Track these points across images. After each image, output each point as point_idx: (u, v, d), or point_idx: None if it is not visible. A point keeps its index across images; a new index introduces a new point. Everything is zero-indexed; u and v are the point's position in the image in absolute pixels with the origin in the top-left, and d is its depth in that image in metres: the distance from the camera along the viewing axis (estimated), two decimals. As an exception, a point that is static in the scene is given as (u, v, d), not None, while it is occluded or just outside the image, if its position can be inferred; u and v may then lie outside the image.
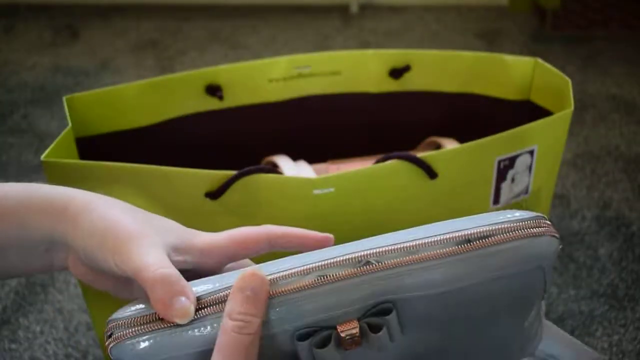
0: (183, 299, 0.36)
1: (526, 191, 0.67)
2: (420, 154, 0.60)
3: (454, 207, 0.64)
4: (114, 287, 0.42)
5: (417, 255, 0.36)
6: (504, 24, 1.72)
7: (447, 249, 0.36)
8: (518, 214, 0.38)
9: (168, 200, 0.59)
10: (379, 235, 0.38)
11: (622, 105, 1.37)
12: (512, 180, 0.65)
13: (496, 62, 0.74)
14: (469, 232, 0.36)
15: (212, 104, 0.74)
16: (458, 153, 0.61)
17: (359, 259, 0.35)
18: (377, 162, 0.60)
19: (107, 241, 0.39)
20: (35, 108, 1.39)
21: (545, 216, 0.39)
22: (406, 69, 0.76)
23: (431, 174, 0.61)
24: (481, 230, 0.37)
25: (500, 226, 0.37)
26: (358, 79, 0.76)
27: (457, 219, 0.39)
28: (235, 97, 0.74)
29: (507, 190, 0.65)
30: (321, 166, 0.77)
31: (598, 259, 0.99)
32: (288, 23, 1.74)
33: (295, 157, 0.72)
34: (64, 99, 0.67)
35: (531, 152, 0.64)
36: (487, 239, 0.36)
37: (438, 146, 0.74)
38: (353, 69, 0.75)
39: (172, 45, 1.64)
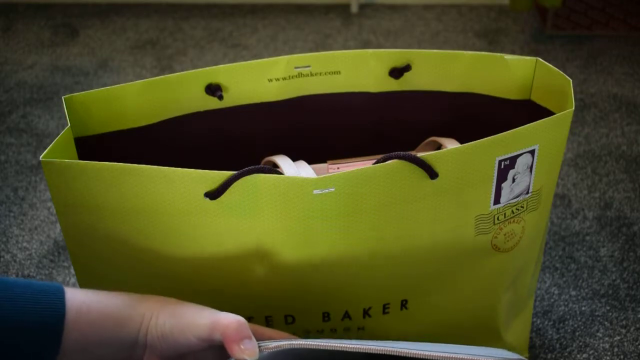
0: (249, 341, 0.49)
1: (527, 191, 0.67)
2: (420, 154, 0.60)
3: (455, 207, 0.64)
4: None
5: None
6: (504, 23, 1.72)
7: None
8: (502, 352, 0.42)
9: (167, 200, 0.59)
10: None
11: (624, 105, 1.37)
12: (513, 180, 0.65)
13: (497, 62, 0.74)
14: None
15: (212, 103, 0.73)
16: (458, 153, 0.61)
17: None
18: (377, 162, 0.60)
19: (181, 320, 0.51)
20: (34, 108, 1.39)
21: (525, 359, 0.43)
22: (406, 68, 0.75)
23: (431, 174, 0.61)
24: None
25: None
26: (358, 79, 0.76)
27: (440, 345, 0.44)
28: (235, 97, 0.74)
29: (508, 190, 0.65)
30: (321, 166, 0.76)
31: (599, 259, 0.99)
32: (288, 22, 1.74)
33: (295, 157, 0.71)
34: (63, 98, 0.66)
35: (532, 152, 0.64)
36: None
37: (438, 146, 0.73)
38: (353, 68, 0.75)
39: (172, 44, 1.63)
